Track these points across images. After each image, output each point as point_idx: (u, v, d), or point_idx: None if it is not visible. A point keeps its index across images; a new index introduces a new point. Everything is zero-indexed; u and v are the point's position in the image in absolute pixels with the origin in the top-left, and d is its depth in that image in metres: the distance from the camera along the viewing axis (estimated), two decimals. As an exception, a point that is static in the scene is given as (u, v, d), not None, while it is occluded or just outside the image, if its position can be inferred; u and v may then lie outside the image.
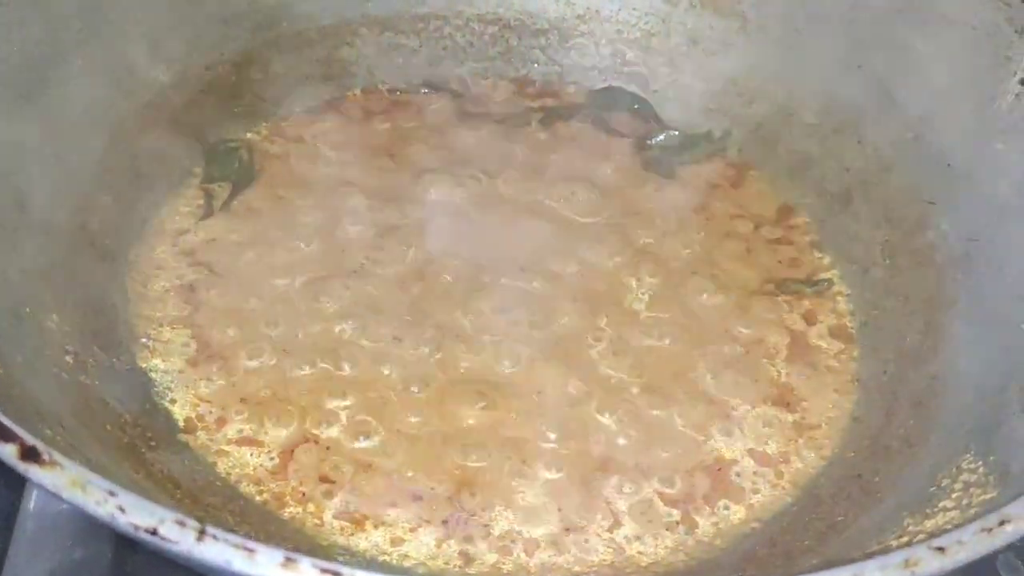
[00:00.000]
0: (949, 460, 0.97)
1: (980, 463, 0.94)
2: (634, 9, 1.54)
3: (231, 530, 0.89)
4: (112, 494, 0.63)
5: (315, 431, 1.06)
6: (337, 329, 1.15)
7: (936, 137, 1.27)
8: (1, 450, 0.64)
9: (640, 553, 1.00)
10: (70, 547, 0.92)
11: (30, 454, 0.64)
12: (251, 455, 1.04)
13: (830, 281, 1.30)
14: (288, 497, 1.01)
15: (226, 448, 1.04)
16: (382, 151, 1.39)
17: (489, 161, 1.37)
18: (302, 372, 1.10)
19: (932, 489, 0.94)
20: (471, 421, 1.08)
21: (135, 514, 0.63)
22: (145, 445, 0.97)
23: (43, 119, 1.13)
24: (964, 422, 1.03)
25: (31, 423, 0.80)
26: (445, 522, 1.00)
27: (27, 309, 0.99)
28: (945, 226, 1.23)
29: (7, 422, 0.65)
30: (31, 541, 0.92)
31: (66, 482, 0.63)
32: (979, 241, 1.18)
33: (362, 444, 1.05)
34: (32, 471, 0.63)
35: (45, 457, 0.63)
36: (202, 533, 0.61)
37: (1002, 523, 0.70)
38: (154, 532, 0.61)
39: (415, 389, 1.10)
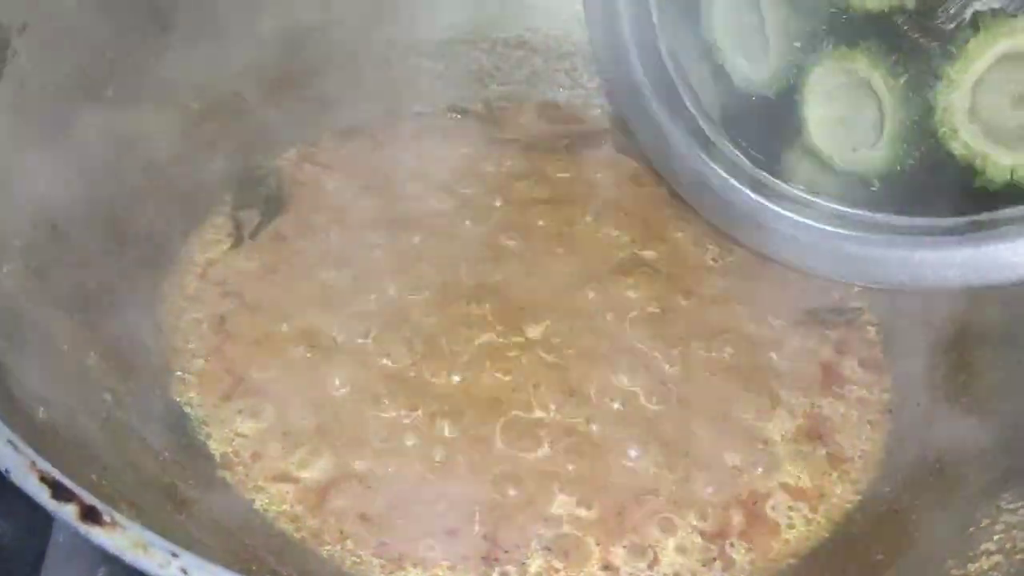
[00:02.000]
0: (988, 499, 0.98)
1: (1021, 504, 0.94)
2: (659, 32, 1.54)
3: (273, 571, 0.92)
4: (175, 555, 0.63)
5: (352, 465, 1.05)
6: (372, 359, 1.14)
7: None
8: (60, 511, 0.64)
9: (679, 590, 1.01)
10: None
11: (90, 515, 0.64)
12: (288, 491, 1.04)
13: (860, 310, 1.30)
14: (326, 535, 1.01)
15: (263, 484, 1.04)
16: (409, 177, 1.38)
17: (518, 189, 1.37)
18: (338, 404, 1.10)
19: (972, 530, 0.94)
20: (503, 454, 1.07)
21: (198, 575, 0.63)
22: (185, 483, 0.97)
23: (76, 150, 1.12)
24: (1000, 459, 1.03)
25: (78, 470, 0.81)
26: (484, 558, 1.00)
27: (65, 347, 0.99)
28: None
29: (66, 481, 0.65)
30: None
31: (128, 544, 0.63)
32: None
33: (394, 478, 1.05)
34: (93, 533, 0.63)
35: (106, 519, 0.63)
36: (264, 595, 0.61)
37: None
38: (217, 594, 0.61)
39: (445, 422, 1.10)
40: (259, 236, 1.28)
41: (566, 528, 1.03)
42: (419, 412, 1.10)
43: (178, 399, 1.10)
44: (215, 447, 1.07)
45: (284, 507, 1.03)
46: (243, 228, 1.29)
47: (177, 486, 0.96)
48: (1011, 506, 0.94)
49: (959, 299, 1.20)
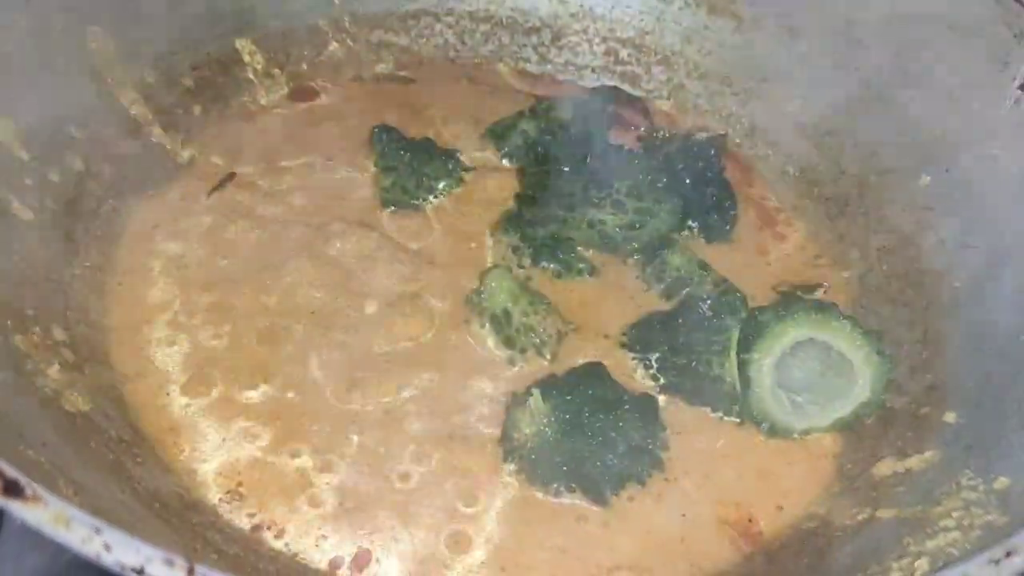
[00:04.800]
0: (948, 476, 0.96)
1: (980, 480, 0.93)
2: (628, 7, 1.52)
3: (219, 549, 0.89)
4: (98, 531, 0.61)
5: (297, 449, 1.03)
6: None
7: (933, 142, 1.26)
8: (-19, 484, 0.61)
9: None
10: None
11: (11, 489, 0.61)
12: (235, 472, 1.01)
13: (826, 288, 1.28)
14: (271, 518, 0.98)
15: (210, 465, 1.01)
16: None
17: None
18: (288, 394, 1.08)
19: (931, 507, 0.93)
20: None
21: (121, 551, 0.61)
22: (131, 461, 0.95)
23: (23, 124, 1.09)
24: (962, 436, 1.02)
25: (12, 447, 0.79)
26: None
27: (8, 322, 0.96)
28: (943, 232, 1.22)
29: (-12, 455, 0.63)
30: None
31: (49, 518, 0.61)
32: (977, 248, 1.17)
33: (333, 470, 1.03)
34: (13, 507, 0.61)
35: (28, 492, 0.61)
36: (190, 572, 0.59)
37: (1008, 554, 0.69)
38: (141, 571, 0.59)
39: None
40: (211, 207, 1.26)
41: None
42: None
43: (126, 373, 1.07)
44: (162, 425, 1.04)
45: (231, 487, 1.00)
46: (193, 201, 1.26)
47: (123, 463, 0.94)
48: (971, 483, 0.93)
49: (926, 275, 1.20)
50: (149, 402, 1.05)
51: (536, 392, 1.03)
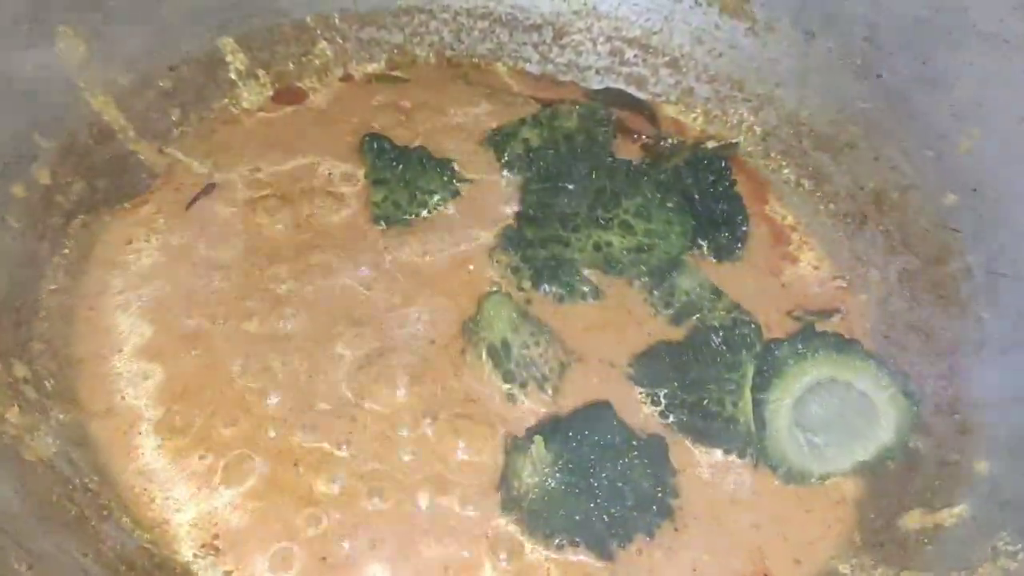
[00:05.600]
0: (983, 537, 0.89)
1: (1020, 547, 0.86)
2: (635, 5, 1.43)
3: None
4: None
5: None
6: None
7: (961, 157, 1.18)
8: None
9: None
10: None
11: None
12: (211, 524, 0.93)
13: (843, 313, 1.21)
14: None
15: (184, 515, 0.94)
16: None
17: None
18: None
19: (963, 574, 0.86)
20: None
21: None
22: (96, 515, 0.87)
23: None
24: (997, 490, 0.94)
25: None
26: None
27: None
28: (970, 258, 1.14)
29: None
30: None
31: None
32: (1008, 277, 1.10)
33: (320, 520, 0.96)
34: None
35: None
36: None
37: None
38: None
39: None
40: (186, 215, 1.17)
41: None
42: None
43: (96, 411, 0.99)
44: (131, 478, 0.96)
45: (204, 544, 0.92)
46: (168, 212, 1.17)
47: (87, 518, 0.86)
48: (1009, 548, 0.86)
49: (952, 304, 1.13)
50: (118, 441, 0.98)
51: (538, 439, 0.95)
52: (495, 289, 1.12)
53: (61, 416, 0.95)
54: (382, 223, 1.19)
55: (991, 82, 1.16)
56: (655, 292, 1.17)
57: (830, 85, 1.32)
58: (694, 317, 1.16)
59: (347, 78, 1.39)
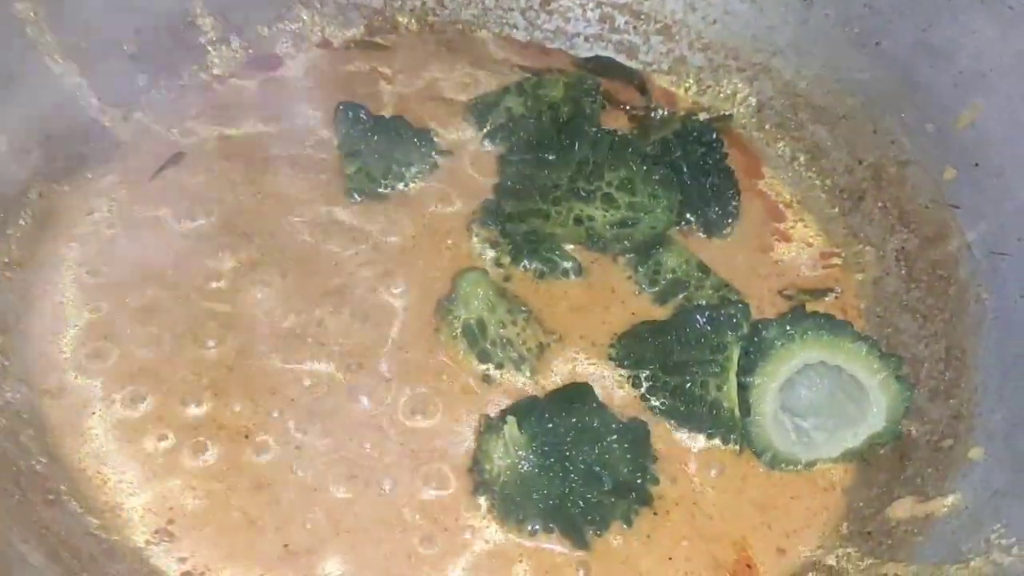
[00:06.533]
0: (975, 529, 0.85)
1: (1013, 540, 0.81)
2: (626, -31, 1.38)
3: None
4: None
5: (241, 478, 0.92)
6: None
7: (962, 130, 1.12)
8: None
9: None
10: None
11: None
12: (166, 508, 0.89)
13: (837, 293, 1.16)
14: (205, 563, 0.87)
15: (138, 499, 0.89)
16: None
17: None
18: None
19: (956, 567, 0.81)
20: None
21: None
22: (41, 500, 0.83)
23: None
24: (991, 479, 0.90)
25: None
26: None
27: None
28: (970, 235, 1.09)
29: None
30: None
31: None
32: (1010, 256, 1.04)
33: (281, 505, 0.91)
34: None
35: None
36: None
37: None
38: None
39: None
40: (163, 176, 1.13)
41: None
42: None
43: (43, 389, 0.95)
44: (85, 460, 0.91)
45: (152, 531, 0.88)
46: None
47: (32, 503, 0.82)
48: (1002, 542, 0.81)
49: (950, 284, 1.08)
50: (70, 422, 0.93)
51: (511, 419, 0.90)
52: (470, 267, 1.07)
53: (9, 395, 0.90)
54: (355, 196, 1.14)
55: (995, 51, 1.10)
56: (640, 269, 1.12)
57: (828, 54, 1.27)
58: (680, 296, 1.11)
59: (325, 44, 1.33)
